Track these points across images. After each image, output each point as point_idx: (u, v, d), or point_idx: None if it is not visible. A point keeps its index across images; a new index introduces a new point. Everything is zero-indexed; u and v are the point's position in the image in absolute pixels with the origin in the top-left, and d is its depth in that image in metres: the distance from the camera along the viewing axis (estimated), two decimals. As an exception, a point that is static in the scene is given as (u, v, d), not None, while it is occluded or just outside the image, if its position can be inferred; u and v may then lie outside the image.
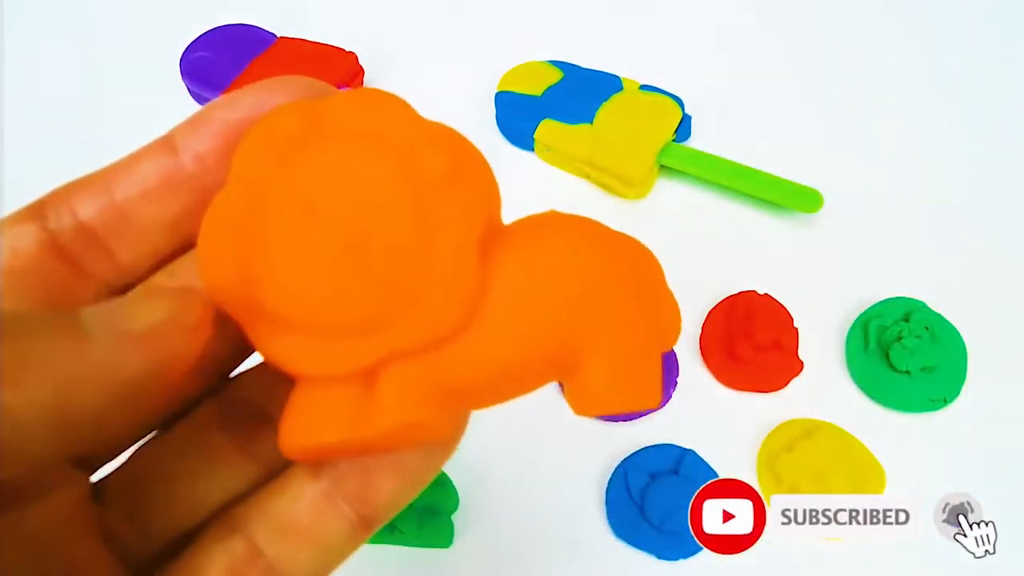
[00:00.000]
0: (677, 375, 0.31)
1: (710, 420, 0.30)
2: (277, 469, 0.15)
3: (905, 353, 0.30)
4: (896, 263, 0.34)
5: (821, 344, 0.32)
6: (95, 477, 0.15)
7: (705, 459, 0.29)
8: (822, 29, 0.43)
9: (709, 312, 0.32)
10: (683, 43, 0.42)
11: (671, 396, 0.31)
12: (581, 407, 0.13)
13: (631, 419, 0.30)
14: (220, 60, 0.39)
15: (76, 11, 0.44)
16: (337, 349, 0.12)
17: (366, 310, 0.12)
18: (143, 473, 0.15)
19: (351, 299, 0.12)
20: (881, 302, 0.32)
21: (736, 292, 0.33)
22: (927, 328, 0.31)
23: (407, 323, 0.12)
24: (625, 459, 0.29)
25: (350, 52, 0.39)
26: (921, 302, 0.32)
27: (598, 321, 0.13)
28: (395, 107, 0.13)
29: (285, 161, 0.12)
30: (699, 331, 0.32)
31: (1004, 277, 0.34)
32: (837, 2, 0.44)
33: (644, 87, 0.37)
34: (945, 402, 0.30)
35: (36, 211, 0.14)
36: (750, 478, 0.29)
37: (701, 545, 0.28)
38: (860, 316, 0.32)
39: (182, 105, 0.40)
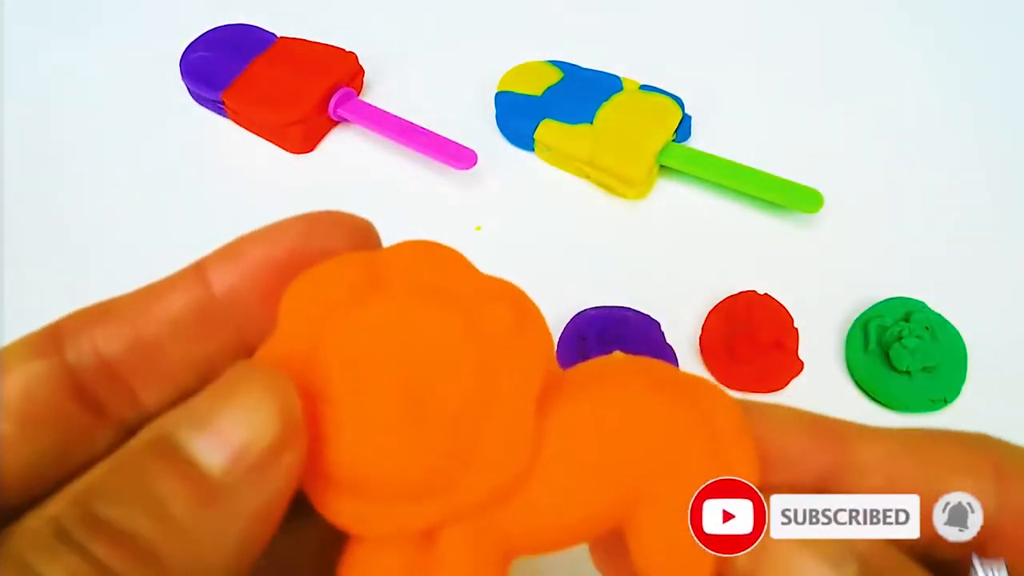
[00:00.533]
0: (677, 375, 0.31)
1: (710, 420, 0.30)
2: None
3: (905, 353, 0.30)
4: (896, 263, 0.34)
5: (821, 344, 0.32)
6: None
7: (705, 459, 0.29)
8: (822, 29, 0.43)
9: (709, 312, 0.32)
10: (683, 43, 0.42)
11: (671, 396, 0.31)
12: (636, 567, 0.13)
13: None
14: (220, 60, 0.39)
15: (76, 11, 0.44)
16: (398, 509, 0.12)
17: (431, 471, 0.12)
18: None
19: (417, 460, 0.12)
20: (881, 302, 0.32)
21: (736, 292, 0.33)
22: (927, 328, 0.31)
23: (467, 482, 0.12)
24: (625, 459, 0.29)
25: (350, 52, 0.39)
26: (921, 302, 0.32)
27: (657, 475, 0.12)
28: (455, 260, 0.13)
29: (346, 311, 0.12)
30: (699, 331, 0.32)
31: (1004, 277, 0.34)
32: (837, 2, 0.44)
33: (644, 87, 0.37)
34: (945, 402, 0.30)
35: (52, 341, 0.13)
36: (750, 478, 0.29)
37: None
38: (860, 316, 0.32)
39: (182, 105, 0.40)
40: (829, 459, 0.12)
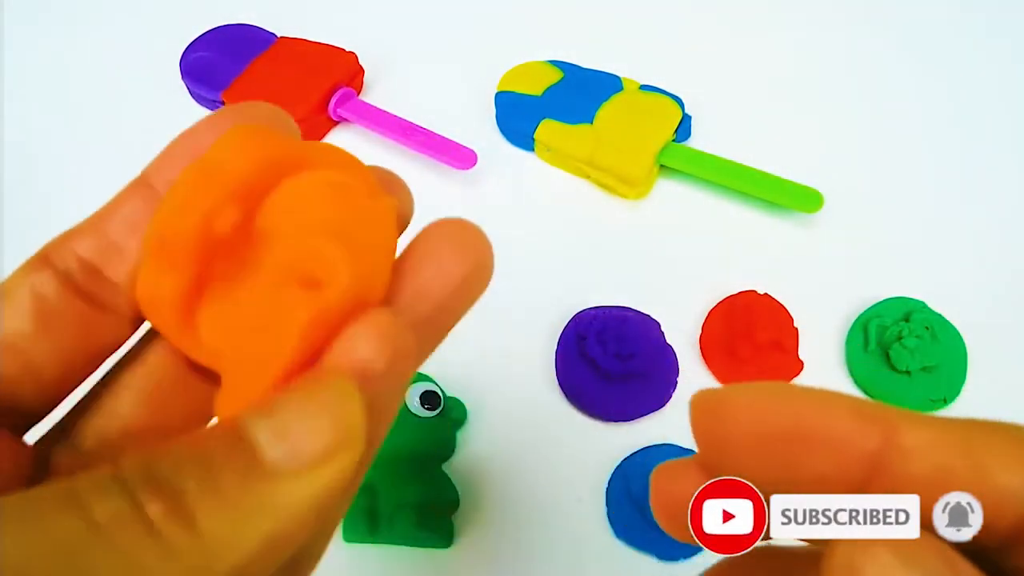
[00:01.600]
0: (677, 375, 0.31)
1: (710, 420, 0.30)
2: None
3: (905, 353, 0.30)
4: (896, 263, 0.34)
5: (821, 344, 0.32)
6: None
7: (705, 459, 0.29)
8: (822, 29, 0.43)
9: (709, 312, 0.32)
10: (683, 43, 0.42)
11: (671, 396, 0.31)
12: None
13: (631, 419, 0.30)
14: (220, 60, 0.39)
15: (76, 11, 0.44)
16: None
17: None
18: None
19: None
20: (881, 302, 0.32)
21: (736, 292, 0.33)
22: (927, 328, 0.31)
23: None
24: (625, 459, 0.29)
25: (350, 52, 0.39)
26: (921, 302, 0.32)
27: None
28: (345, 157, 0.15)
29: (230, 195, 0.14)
30: (699, 331, 0.32)
31: (1004, 277, 0.34)
32: (837, 2, 0.44)
33: (644, 87, 0.37)
34: (945, 402, 0.30)
35: (42, 259, 0.15)
36: (750, 478, 0.29)
37: (701, 545, 0.28)
38: (860, 316, 0.32)
39: (182, 105, 0.40)
40: (875, 443, 0.12)
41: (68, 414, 0.15)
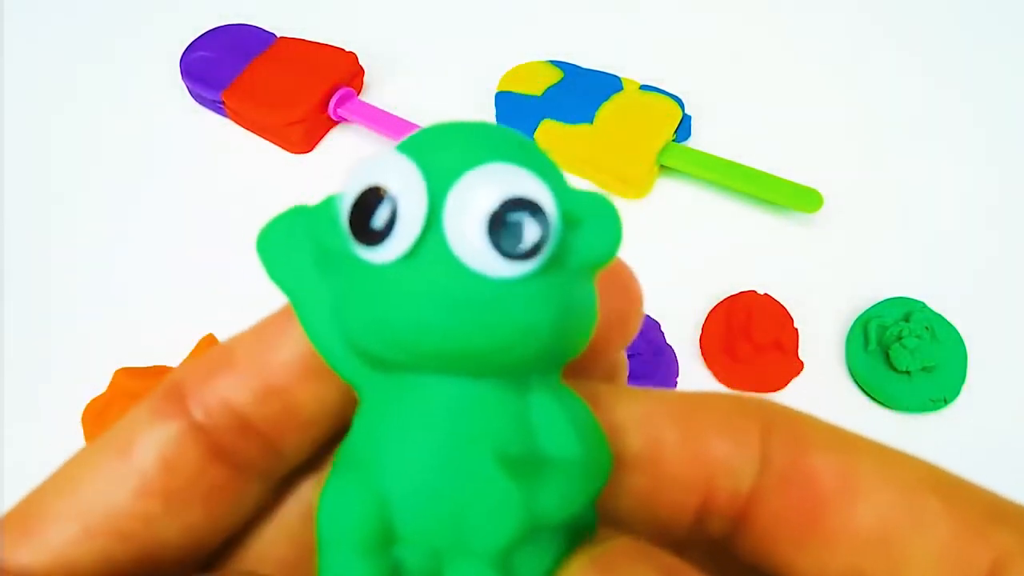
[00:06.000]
0: (677, 375, 0.31)
1: (710, 420, 0.30)
2: None
3: (905, 353, 0.30)
4: (896, 263, 0.34)
5: (821, 344, 0.32)
6: None
7: (705, 459, 0.29)
8: (822, 29, 0.43)
9: (709, 312, 0.32)
10: (683, 43, 0.42)
11: (671, 396, 0.31)
12: None
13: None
14: (220, 60, 0.39)
15: (76, 11, 0.44)
16: None
17: None
18: None
19: None
20: (881, 302, 0.32)
21: (736, 292, 0.33)
22: (927, 328, 0.31)
23: None
24: (625, 459, 0.29)
25: (350, 52, 0.39)
26: (921, 302, 0.32)
27: None
28: None
29: None
30: (699, 331, 0.32)
31: (1004, 277, 0.34)
32: (837, 2, 0.44)
33: (644, 87, 0.37)
34: (945, 402, 0.30)
35: (175, 401, 0.11)
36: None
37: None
38: (860, 316, 0.32)
39: (182, 105, 0.40)
40: None
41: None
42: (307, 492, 0.12)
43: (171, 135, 0.39)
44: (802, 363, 0.31)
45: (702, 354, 0.32)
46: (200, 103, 0.40)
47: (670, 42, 0.42)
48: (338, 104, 0.38)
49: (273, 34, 0.40)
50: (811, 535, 0.10)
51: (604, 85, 0.37)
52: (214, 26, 0.40)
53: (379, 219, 0.09)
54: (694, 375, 0.32)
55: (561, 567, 0.10)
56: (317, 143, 0.38)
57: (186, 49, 0.39)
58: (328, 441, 0.12)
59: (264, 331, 0.11)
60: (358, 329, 0.10)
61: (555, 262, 0.10)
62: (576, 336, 0.10)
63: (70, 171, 0.38)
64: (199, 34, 0.40)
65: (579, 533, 0.10)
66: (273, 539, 0.12)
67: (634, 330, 0.12)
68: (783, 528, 0.10)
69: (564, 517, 0.10)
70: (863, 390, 0.31)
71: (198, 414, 0.11)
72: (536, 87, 0.38)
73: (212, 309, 0.32)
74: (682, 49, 0.41)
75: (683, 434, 0.11)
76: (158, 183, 0.38)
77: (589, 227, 0.10)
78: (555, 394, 0.10)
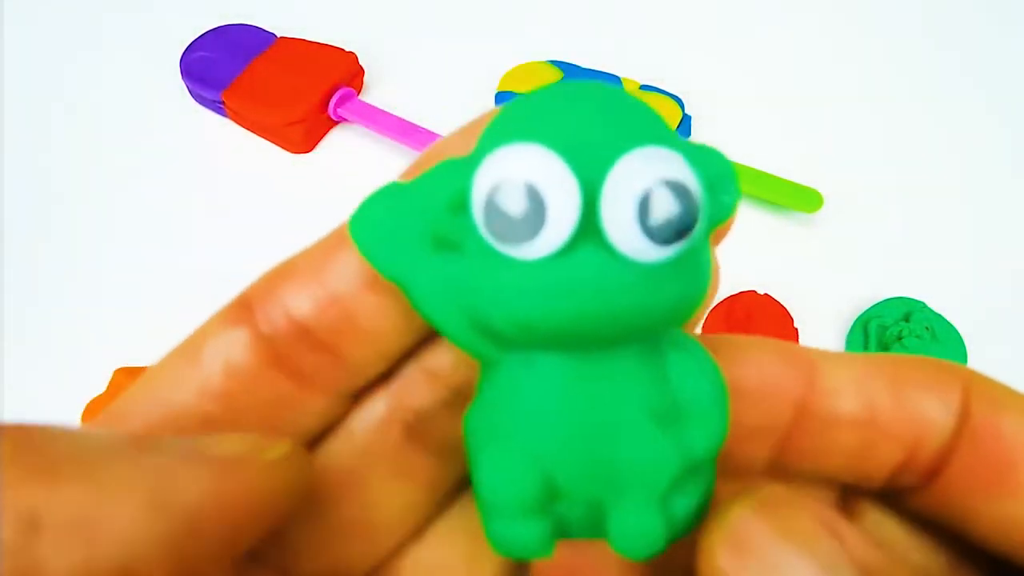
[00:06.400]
0: (677, 375, 0.31)
1: (710, 420, 0.30)
2: None
3: (905, 353, 0.30)
4: (896, 263, 0.34)
5: (821, 344, 0.32)
6: None
7: (705, 459, 0.29)
8: (822, 29, 0.43)
9: (709, 312, 0.32)
10: (683, 43, 0.42)
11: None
12: None
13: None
14: (220, 60, 0.39)
15: (76, 11, 0.44)
16: None
17: None
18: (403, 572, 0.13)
19: None
20: (881, 302, 0.32)
21: (736, 292, 0.33)
22: (927, 328, 0.31)
23: None
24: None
25: (350, 52, 0.39)
26: (921, 302, 0.32)
27: None
28: None
29: None
30: (699, 331, 0.32)
31: (1004, 277, 0.34)
32: (837, 3, 0.44)
33: (644, 87, 0.37)
34: (945, 402, 0.30)
35: (243, 308, 0.12)
36: (750, 478, 0.29)
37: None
38: (860, 316, 0.32)
39: (182, 105, 0.40)
40: (802, 385, 0.11)
41: None
42: (377, 407, 0.12)
43: (171, 135, 0.39)
44: (802, 363, 0.31)
45: (702, 354, 0.32)
46: (200, 103, 0.40)
47: (670, 42, 0.42)
48: (338, 104, 0.38)
49: (273, 34, 0.40)
50: (1000, 487, 0.11)
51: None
52: (214, 26, 0.40)
53: (521, 213, 0.09)
54: (694, 375, 0.32)
55: (722, 511, 0.11)
56: (317, 143, 0.38)
57: (186, 49, 0.39)
58: (397, 359, 0.12)
59: (324, 245, 0.12)
60: (504, 321, 0.10)
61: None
62: (705, 298, 0.11)
63: (70, 171, 0.38)
64: (199, 34, 0.40)
65: (712, 473, 0.11)
66: (337, 450, 0.12)
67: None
68: (974, 481, 0.11)
69: (709, 455, 0.11)
70: (863, 390, 0.31)
71: (263, 324, 0.11)
72: (536, 87, 0.38)
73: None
74: (682, 49, 0.41)
75: (895, 395, 0.11)
76: (158, 183, 0.38)
77: (720, 189, 0.10)
78: (685, 348, 0.11)
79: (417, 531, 0.13)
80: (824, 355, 0.12)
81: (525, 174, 0.09)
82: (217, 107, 0.39)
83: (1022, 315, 0.33)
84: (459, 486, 0.13)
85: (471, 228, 0.10)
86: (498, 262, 0.10)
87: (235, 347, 0.11)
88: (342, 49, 0.39)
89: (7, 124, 0.40)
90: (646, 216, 0.09)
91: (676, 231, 0.09)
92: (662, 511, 0.11)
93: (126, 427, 0.11)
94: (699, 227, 0.10)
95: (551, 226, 0.09)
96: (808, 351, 0.12)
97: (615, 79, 0.38)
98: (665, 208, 0.09)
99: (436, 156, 0.12)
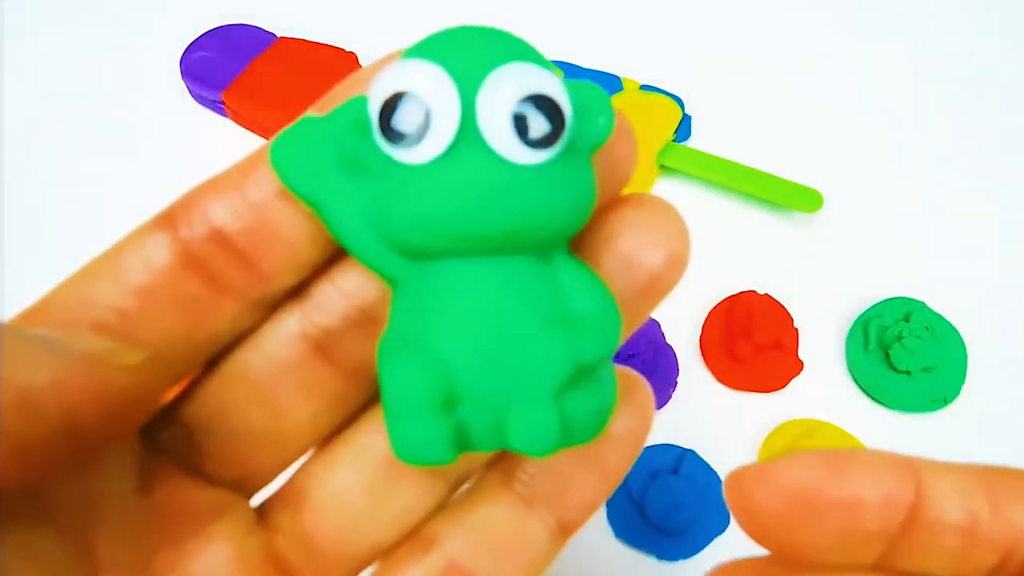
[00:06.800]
0: (677, 375, 0.31)
1: (710, 420, 0.30)
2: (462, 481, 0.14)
3: (905, 353, 0.30)
4: (896, 263, 0.34)
5: (821, 344, 0.32)
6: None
7: (705, 459, 0.29)
8: (823, 29, 0.43)
9: (709, 312, 0.32)
10: (683, 43, 0.42)
11: (671, 396, 0.31)
12: None
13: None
14: (220, 60, 0.39)
15: (76, 10, 0.44)
16: None
17: None
18: (309, 493, 0.14)
19: None
20: (881, 302, 0.32)
21: (736, 292, 0.33)
22: (927, 328, 0.31)
23: None
24: (625, 459, 0.29)
25: (350, 52, 0.39)
26: (921, 302, 0.32)
27: None
28: None
29: None
30: (699, 331, 0.32)
31: (1004, 277, 0.34)
32: (837, 3, 0.44)
33: (644, 87, 0.37)
34: (945, 402, 0.30)
35: (166, 219, 0.13)
36: (750, 478, 0.29)
37: (701, 545, 0.28)
38: (860, 316, 0.32)
39: (182, 105, 0.40)
40: (912, 494, 0.12)
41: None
42: (288, 322, 0.13)
43: (171, 135, 0.39)
44: (802, 363, 0.31)
45: (702, 354, 0.32)
46: (200, 103, 0.40)
47: (670, 42, 0.42)
48: (338, 104, 0.38)
49: (273, 34, 0.40)
50: None
51: (604, 85, 0.37)
52: (214, 26, 0.40)
53: (412, 122, 0.10)
54: (694, 375, 0.32)
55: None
56: (317, 143, 0.38)
57: (186, 49, 0.39)
58: (307, 274, 0.13)
59: (245, 163, 0.13)
60: (403, 225, 0.11)
61: (568, 146, 0.11)
62: (587, 210, 0.12)
63: (70, 171, 0.38)
64: (199, 34, 0.40)
65: (610, 389, 0.12)
66: (248, 360, 0.13)
67: (633, 161, 0.13)
68: None
69: (601, 358, 0.12)
70: (863, 390, 0.31)
71: (183, 230, 0.12)
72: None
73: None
74: (682, 49, 0.41)
75: (993, 503, 0.12)
76: (158, 183, 0.38)
77: (591, 113, 0.12)
78: (577, 266, 0.12)
79: (323, 445, 0.14)
80: (927, 464, 0.13)
81: (410, 83, 0.10)
82: (217, 107, 0.39)
83: (1022, 315, 0.33)
84: (365, 405, 0.14)
85: (372, 144, 0.11)
86: (394, 169, 0.11)
87: (155, 249, 0.12)
88: (342, 49, 0.39)
89: (7, 124, 0.40)
90: (517, 121, 0.10)
91: (545, 133, 0.10)
92: (556, 408, 0.11)
93: (45, 322, 0.12)
94: (566, 135, 0.11)
95: (435, 130, 0.10)
96: (912, 460, 0.13)
97: (615, 79, 0.38)
98: (533, 112, 0.10)
99: (347, 88, 0.13)
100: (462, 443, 0.12)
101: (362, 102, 0.11)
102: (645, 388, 0.14)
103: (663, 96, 0.37)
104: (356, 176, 0.11)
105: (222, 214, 0.12)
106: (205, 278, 0.12)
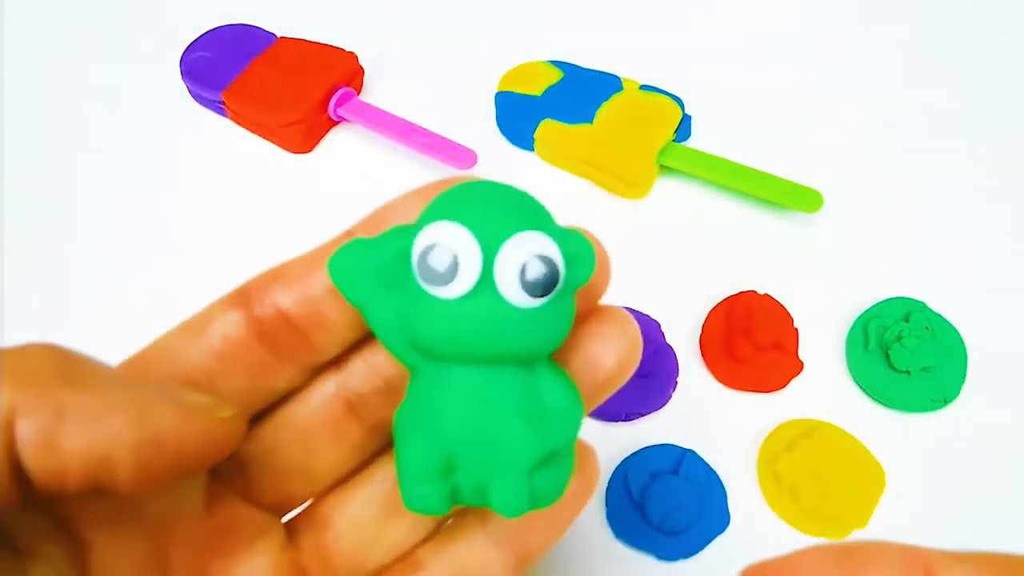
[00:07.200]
0: (677, 375, 0.31)
1: (710, 420, 0.30)
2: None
3: (905, 353, 0.30)
4: (896, 263, 0.34)
5: (821, 344, 0.32)
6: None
7: (705, 459, 0.29)
8: (822, 29, 0.43)
9: (709, 312, 0.32)
10: (683, 43, 0.42)
11: (671, 396, 0.31)
12: None
13: (631, 419, 0.30)
14: (220, 60, 0.39)
15: (76, 11, 0.44)
16: None
17: None
18: (332, 520, 0.18)
19: None
20: (881, 302, 0.32)
21: (736, 292, 0.33)
22: (927, 328, 0.31)
23: None
24: (625, 459, 0.29)
25: (350, 52, 0.39)
26: (921, 302, 0.32)
27: None
28: None
29: None
30: (699, 331, 0.32)
31: (1004, 277, 0.34)
32: (837, 3, 0.44)
33: (644, 87, 0.37)
34: (945, 402, 0.30)
35: (242, 297, 0.16)
36: (750, 478, 0.29)
37: (701, 545, 0.28)
38: (860, 316, 0.32)
39: (182, 105, 0.40)
40: None
41: None
42: (328, 385, 0.17)
43: (171, 135, 0.39)
44: (802, 363, 0.31)
45: (702, 354, 0.32)
46: (200, 103, 0.40)
47: (670, 42, 0.42)
48: (338, 104, 0.38)
49: (273, 34, 0.40)
50: None
51: (604, 85, 0.37)
52: (214, 26, 0.40)
53: (443, 267, 0.14)
54: (694, 375, 0.32)
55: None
56: (317, 143, 0.38)
57: (186, 49, 0.39)
58: (345, 349, 0.17)
59: (310, 258, 0.16)
60: (428, 339, 0.15)
61: (558, 291, 0.15)
62: (564, 336, 0.15)
63: (69, 171, 0.38)
64: (199, 34, 0.40)
65: (570, 463, 0.16)
66: (294, 411, 0.17)
67: (606, 283, 0.17)
68: None
69: (564, 444, 0.16)
70: (863, 390, 0.31)
71: (256, 308, 0.16)
72: (536, 87, 0.38)
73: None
74: (682, 49, 0.41)
75: None
76: (158, 183, 0.38)
77: (578, 263, 0.15)
78: (551, 369, 0.16)
79: (344, 481, 0.18)
80: (939, 555, 0.13)
81: (447, 241, 0.14)
82: (217, 107, 0.39)
83: (1022, 315, 0.33)
84: (380, 453, 0.18)
85: (410, 274, 0.15)
86: (426, 299, 0.14)
87: (233, 323, 0.16)
88: (342, 49, 0.39)
89: (7, 124, 0.40)
90: (524, 276, 0.14)
91: (543, 288, 0.14)
92: (527, 483, 0.15)
93: (148, 372, 0.16)
94: (560, 287, 0.15)
95: (461, 277, 0.14)
96: (923, 553, 0.13)
97: (615, 79, 0.38)
98: (536, 272, 0.14)
99: (388, 211, 0.17)
100: (455, 499, 0.16)
101: (402, 232, 0.15)
102: (593, 458, 0.18)
103: (663, 96, 0.37)
104: (394, 292, 0.15)
105: (288, 301, 0.16)
106: (271, 348, 0.16)
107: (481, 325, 0.14)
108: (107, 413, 0.13)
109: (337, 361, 0.17)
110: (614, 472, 0.29)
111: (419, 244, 0.14)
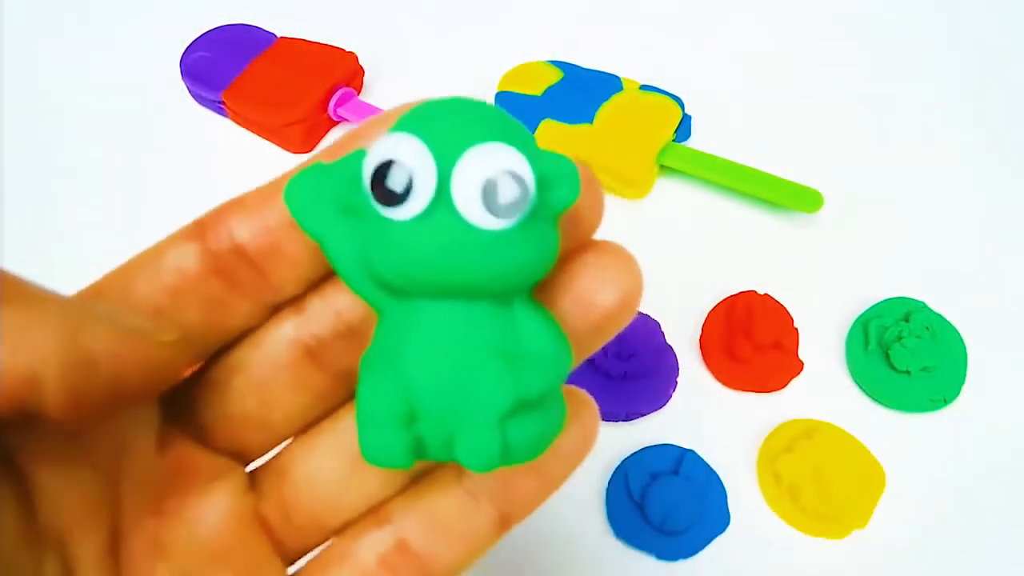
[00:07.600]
0: (677, 375, 0.31)
1: (710, 420, 0.30)
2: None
3: (905, 353, 0.30)
4: (896, 263, 0.34)
5: (821, 344, 0.32)
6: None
7: (705, 459, 0.29)
8: (822, 29, 0.43)
9: (709, 312, 0.32)
10: (683, 43, 0.42)
11: (671, 396, 0.31)
12: None
13: (631, 419, 0.30)
14: (220, 60, 0.39)
15: (76, 11, 0.44)
16: None
17: None
18: (290, 471, 0.17)
19: None
20: (881, 302, 0.32)
21: (736, 292, 0.33)
22: (927, 328, 0.31)
23: None
24: (625, 459, 0.29)
25: (350, 52, 0.39)
26: (921, 302, 0.32)
27: None
28: None
29: None
30: (699, 331, 0.32)
31: (1004, 277, 0.34)
32: (837, 3, 0.44)
33: (644, 87, 0.37)
34: (945, 402, 0.30)
35: (197, 231, 0.15)
36: (750, 478, 0.29)
37: (701, 545, 0.28)
38: (860, 316, 0.32)
39: (182, 105, 0.40)
40: None
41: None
42: (286, 328, 0.16)
43: (171, 135, 0.39)
44: (802, 363, 0.31)
45: (702, 354, 0.32)
46: (200, 103, 0.40)
47: (670, 42, 0.42)
48: (338, 104, 0.38)
49: (273, 34, 0.40)
50: None
51: (604, 85, 0.37)
52: (214, 26, 0.40)
53: (397, 186, 0.12)
54: (694, 375, 0.32)
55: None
56: (317, 143, 0.38)
57: (186, 49, 0.39)
58: (306, 287, 0.16)
59: (267, 190, 0.15)
60: (384, 269, 0.13)
61: (531, 214, 0.13)
62: (545, 267, 0.14)
63: (70, 171, 0.38)
64: (199, 34, 0.40)
65: (555, 417, 0.14)
66: (249, 355, 0.16)
67: (600, 218, 0.16)
68: None
69: (542, 393, 0.13)
70: (863, 390, 0.31)
71: (211, 241, 0.15)
72: (536, 87, 0.38)
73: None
74: (682, 49, 0.41)
75: None
76: (158, 183, 0.38)
77: (556, 185, 0.13)
78: (531, 307, 0.14)
79: (304, 432, 0.17)
80: None
81: (399, 155, 0.12)
82: (217, 107, 0.39)
83: (1022, 315, 0.33)
84: (345, 403, 0.17)
85: (365, 198, 0.13)
86: (379, 222, 0.13)
87: (187, 256, 0.15)
88: (342, 49, 0.39)
89: (7, 124, 0.40)
90: (484, 193, 0.12)
91: (508, 207, 0.12)
92: (498, 432, 0.13)
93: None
94: (530, 207, 0.13)
95: (416, 194, 0.12)
96: None
97: (615, 79, 0.38)
98: (500, 188, 0.12)
99: (353, 139, 0.15)
100: (418, 452, 0.14)
101: (361, 156, 0.13)
102: (592, 409, 0.16)
103: (663, 96, 0.37)
104: (352, 220, 0.13)
105: (244, 233, 0.15)
106: (226, 282, 0.15)
107: (436, 249, 0.12)
108: (32, 329, 0.12)
109: (297, 303, 0.16)
110: (614, 472, 0.29)
111: (370, 161, 0.13)
